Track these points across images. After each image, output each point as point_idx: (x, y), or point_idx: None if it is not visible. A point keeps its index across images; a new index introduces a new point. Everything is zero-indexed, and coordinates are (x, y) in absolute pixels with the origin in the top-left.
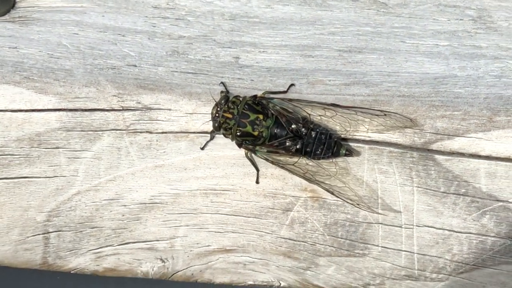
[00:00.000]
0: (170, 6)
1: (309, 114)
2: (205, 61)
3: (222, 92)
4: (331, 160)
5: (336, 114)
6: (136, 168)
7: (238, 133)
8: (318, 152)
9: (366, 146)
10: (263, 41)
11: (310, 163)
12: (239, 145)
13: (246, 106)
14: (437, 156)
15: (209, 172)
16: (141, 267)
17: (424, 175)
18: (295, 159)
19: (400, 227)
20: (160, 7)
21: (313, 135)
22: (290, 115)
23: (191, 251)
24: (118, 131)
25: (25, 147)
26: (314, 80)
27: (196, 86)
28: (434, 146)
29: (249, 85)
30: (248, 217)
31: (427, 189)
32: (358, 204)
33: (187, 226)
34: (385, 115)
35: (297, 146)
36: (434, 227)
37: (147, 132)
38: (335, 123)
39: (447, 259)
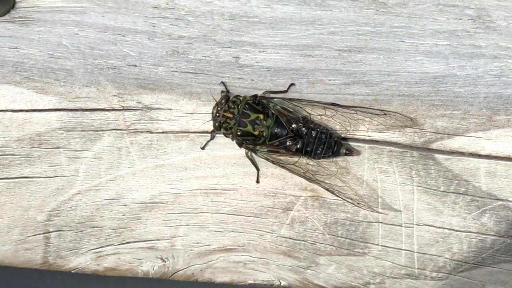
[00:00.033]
0: (170, 6)
1: (310, 114)
2: (205, 61)
3: (222, 91)
4: (331, 160)
5: (336, 114)
6: (136, 168)
7: (238, 133)
8: (319, 151)
9: (366, 146)
10: (263, 41)
11: (311, 163)
12: (240, 145)
13: (246, 105)
14: (437, 155)
15: (210, 172)
16: (141, 266)
17: (424, 174)
18: (295, 158)
19: (400, 226)
20: (160, 7)
21: (314, 135)
22: (291, 115)
23: (191, 250)
24: (118, 131)
25: (25, 147)
26: (314, 80)
27: (196, 85)
28: (434, 145)
29: (249, 84)
30: (249, 216)
31: (427, 188)
32: (358, 203)
33: (188, 225)
34: (385, 114)
35: (298, 146)
36: (434, 226)
37: (147, 132)
38: (335, 122)
39: (447, 258)
